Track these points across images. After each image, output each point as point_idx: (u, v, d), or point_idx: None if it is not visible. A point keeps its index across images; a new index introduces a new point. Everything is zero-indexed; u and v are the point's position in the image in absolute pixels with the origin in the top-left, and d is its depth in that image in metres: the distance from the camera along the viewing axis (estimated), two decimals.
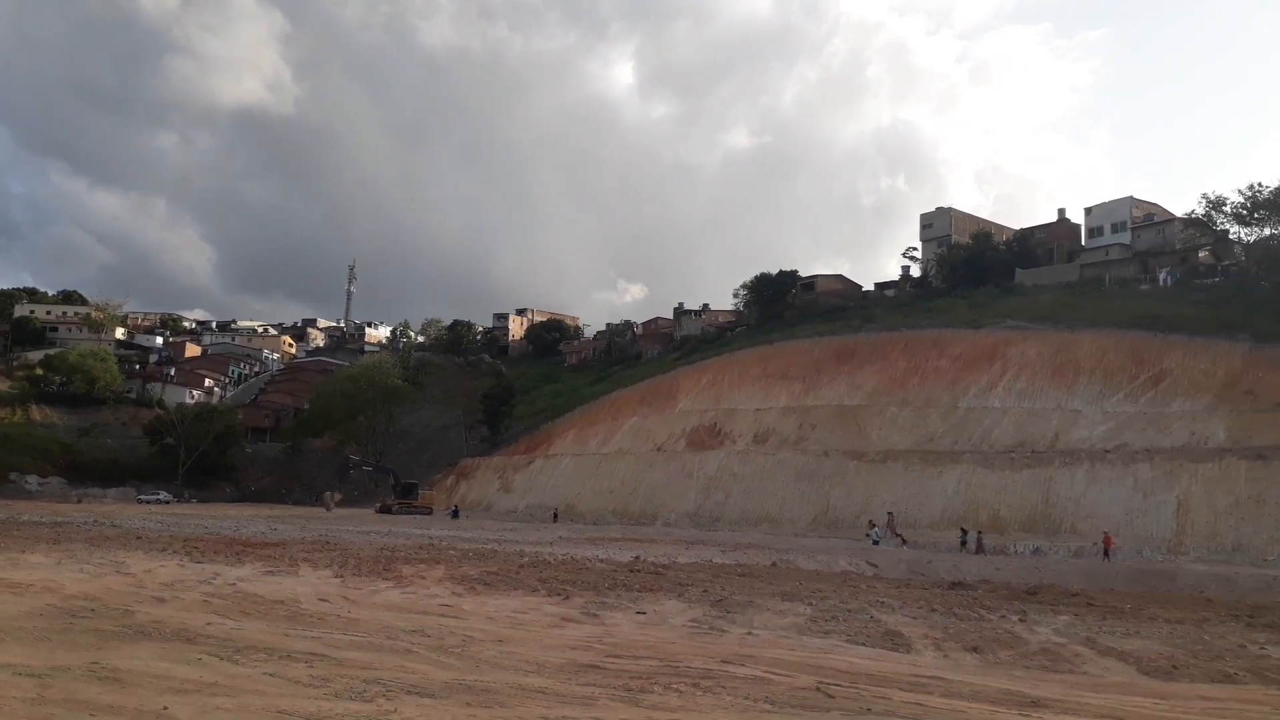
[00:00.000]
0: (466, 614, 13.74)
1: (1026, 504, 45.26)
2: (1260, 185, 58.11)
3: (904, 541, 43.03)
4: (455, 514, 61.56)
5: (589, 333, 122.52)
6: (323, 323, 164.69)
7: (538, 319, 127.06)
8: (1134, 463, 43.64)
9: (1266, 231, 58.92)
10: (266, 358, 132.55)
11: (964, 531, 42.27)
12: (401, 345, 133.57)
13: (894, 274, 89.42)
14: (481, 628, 12.21)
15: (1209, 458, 41.93)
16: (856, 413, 58.58)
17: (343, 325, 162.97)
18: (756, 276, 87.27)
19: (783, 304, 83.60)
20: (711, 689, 8.46)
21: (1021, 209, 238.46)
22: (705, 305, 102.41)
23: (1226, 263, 62.38)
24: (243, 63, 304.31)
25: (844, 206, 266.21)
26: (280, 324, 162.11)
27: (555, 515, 61.97)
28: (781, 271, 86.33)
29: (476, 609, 14.36)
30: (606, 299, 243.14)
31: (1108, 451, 45.37)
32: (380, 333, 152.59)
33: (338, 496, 72.52)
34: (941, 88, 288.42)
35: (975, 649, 12.77)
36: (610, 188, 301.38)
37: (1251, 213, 58.62)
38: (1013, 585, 24.07)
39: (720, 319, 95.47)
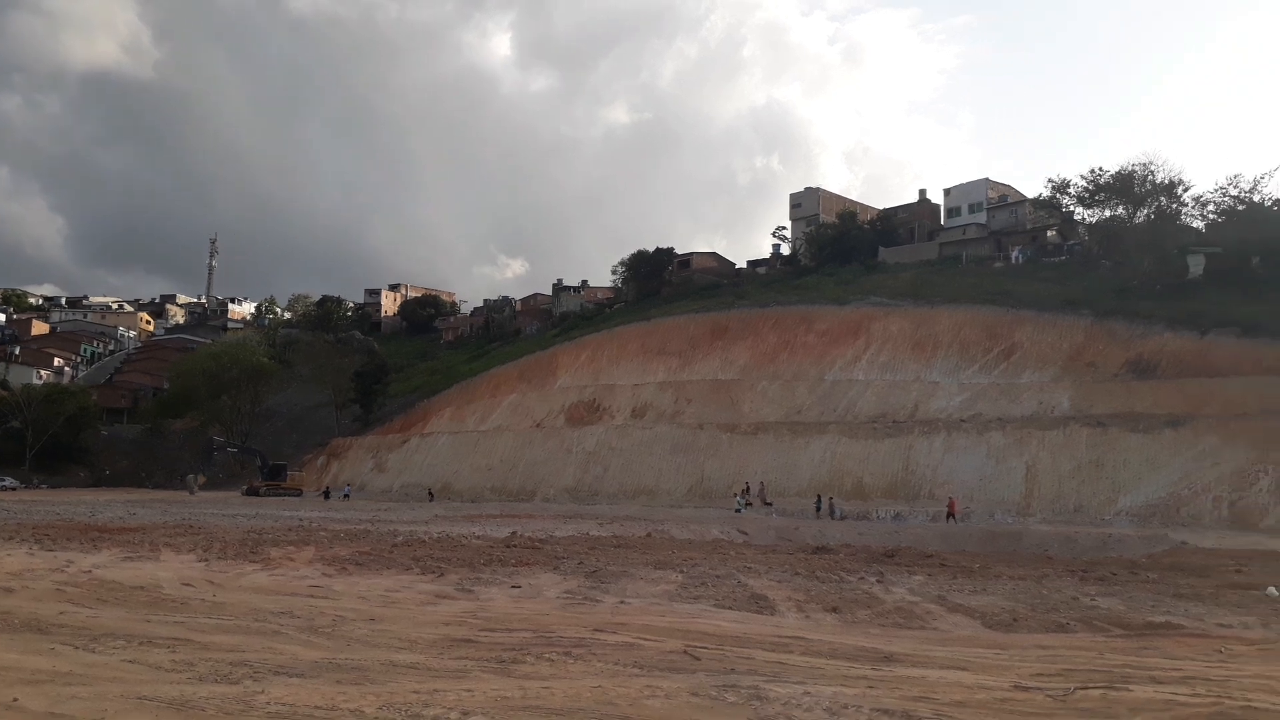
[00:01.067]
0: (338, 594, 13.59)
1: (888, 472, 47.50)
2: (1101, 169, 62.13)
3: (771, 507, 44.96)
4: (347, 495, 60.65)
5: (466, 309, 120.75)
6: (183, 299, 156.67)
7: (412, 295, 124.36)
8: (987, 431, 46.34)
9: (1107, 213, 62.99)
10: (122, 335, 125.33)
11: (819, 498, 44.43)
12: (267, 322, 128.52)
13: (766, 252, 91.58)
14: (353, 607, 12.12)
15: (1055, 425, 44.90)
16: (730, 387, 59.99)
17: (204, 301, 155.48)
18: (634, 254, 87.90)
19: (660, 281, 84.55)
20: (583, 656, 8.70)
21: (891, 189, 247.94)
22: (584, 282, 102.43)
23: (1072, 242, 66.45)
24: (96, 21, 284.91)
25: (721, 185, 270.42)
26: (138, 300, 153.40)
27: (431, 494, 61.20)
28: (658, 249, 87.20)
29: (348, 589, 14.21)
30: (487, 274, 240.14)
31: (963, 421, 47.99)
32: (245, 309, 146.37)
33: (202, 479, 69.55)
34: (814, 69, 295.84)
35: (835, 609, 13.47)
36: (489, 162, 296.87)
37: (1093, 195, 62.54)
38: (873, 549, 25.36)
39: (599, 295, 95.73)
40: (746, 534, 30.74)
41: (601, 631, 10.22)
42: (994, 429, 46.31)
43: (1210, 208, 60.06)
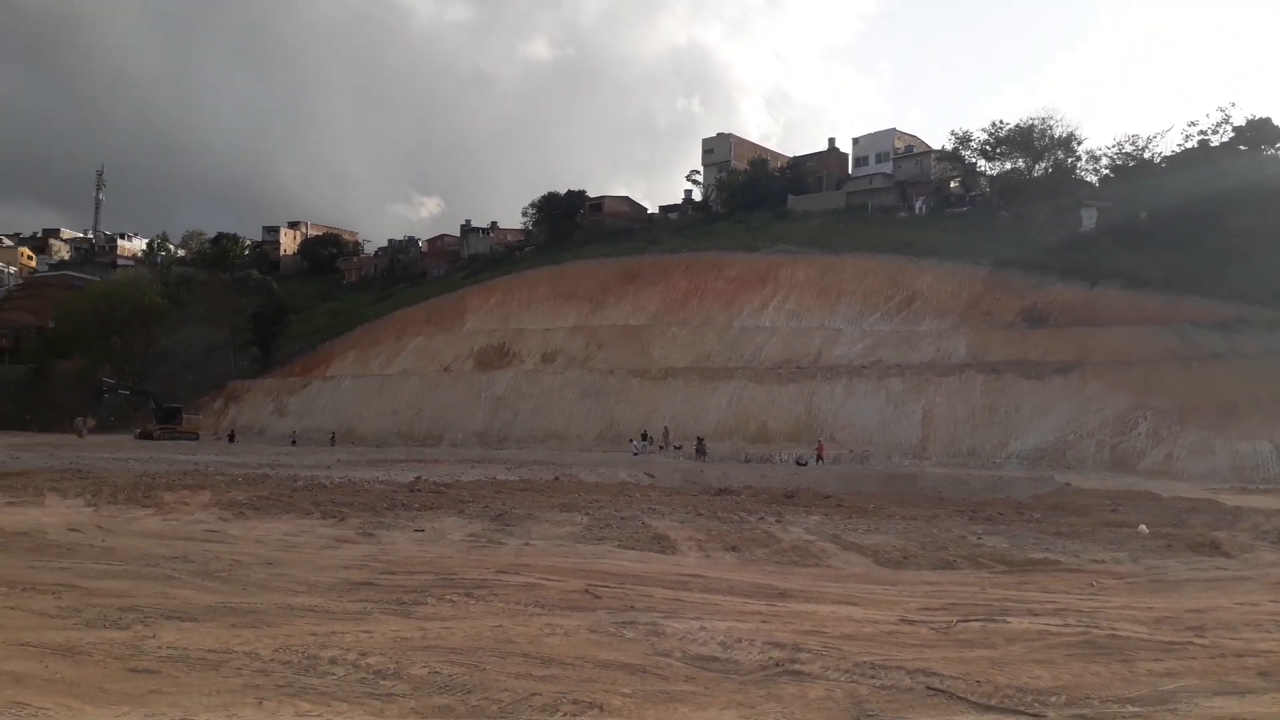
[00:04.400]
0: (234, 539, 13.31)
1: (792, 416, 48.71)
2: (1002, 123, 63.80)
3: (681, 450, 45.92)
4: (295, 441, 59.45)
5: (370, 249, 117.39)
6: (67, 233, 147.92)
7: (313, 233, 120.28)
8: (887, 377, 47.82)
9: (1007, 166, 64.85)
10: (1, 271, 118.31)
11: (699, 440, 45.92)
12: (160, 259, 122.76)
13: (682, 196, 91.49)
14: (250, 551, 11.90)
15: (951, 372, 46.59)
16: (640, 332, 60.27)
17: (91, 237, 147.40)
18: (545, 195, 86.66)
19: (572, 224, 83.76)
20: (484, 598, 8.75)
21: (810, 135, 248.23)
22: (494, 223, 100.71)
23: (973, 193, 68.25)
24: None
25: (641, 126, 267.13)
26: (17, 234, 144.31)
27: (333, 439, 60.12)
28: (570, 191, 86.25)
29: (245, 534, 13.93)
30: (401, 213, 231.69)
31: (864, 367, 49.38)
32: (135, 245, 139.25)
33: (91, 422, 66.69)
34: (735, 10, 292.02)
35: (734, 548, 13.82)
36: (403, 95, 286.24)
37: (994, 148, 64.27)
38: (773, 490, 26.04)
39: (509, 238, 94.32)
40: (653, 477, 31.17)
41: (504, 573, 10.29)
42: (894, 375, 47.80)
43: (1104, 163, 62.47)
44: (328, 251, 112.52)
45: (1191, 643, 7.56)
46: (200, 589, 8.96)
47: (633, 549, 13.41)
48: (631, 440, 47.46)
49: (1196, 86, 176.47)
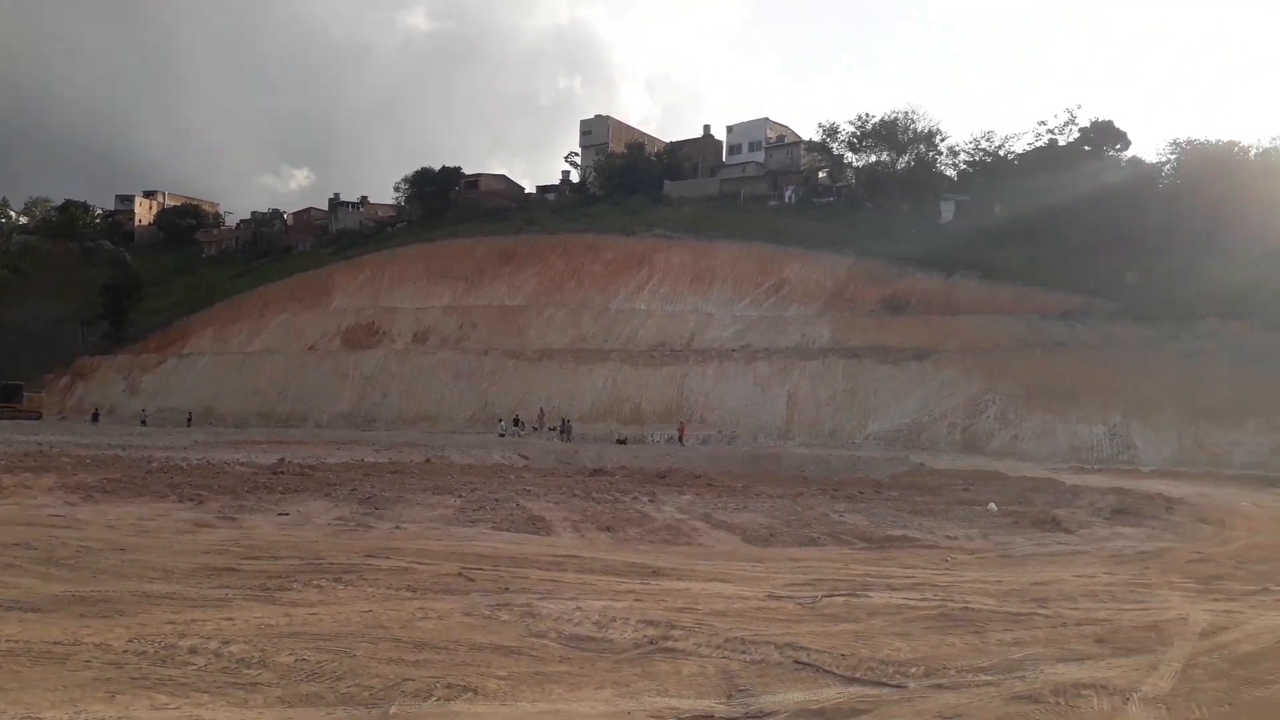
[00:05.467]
0: (83, 524, 12.54)
1: (664, 397, 49.44)
2: (867, 116, 66.17)
3: (555, 431, 45.96)
4: (189, 420, 56.50)
5: (232, 221, 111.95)
6: None
7: (170, 203, 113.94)
8: (755, 361, 49.09)
9: (872, 159, 67.29)
10: None
11: (563, 421, 46.62)
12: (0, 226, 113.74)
13: (557, 177, 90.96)
14: (100, 537, 11.24)
15: (815, 356, 48.19)
16: (516, 313, 59.79)
17: None
18: (419, 171, 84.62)
19: (446, 201, 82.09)
20: (354, 582, 8.55)
21: (691, 120, 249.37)
22: (364, 198, 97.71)
23: (840, 184, 70.52)
24: None
25: (522, 104, 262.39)
26: None
27: (190, 419, 57.33)
28: (445, 168, 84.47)
29: (95, 518, 13.14)
30: (268, 185, 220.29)
31: (734, 351, 50.51)
32: None
33: None
34: None
35: (609, 528, 13.93)
36: (275, 63, 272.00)
37: (861, 141, 66.58)
38: (646, 470, 26.36)
39: (380, 213, 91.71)
40: (527, 458, 31.06)
41: (374, 557, 10.07)
42: (761, 359, 49.13)
43: (962, 158, 65.54)
44: (186, 223, 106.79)
45: (1036, 614, 8.11)
46: (44, 577, 8.42)
47: (507, 530, 13.35)
48: (500, 421, 47.20)
49: (1049, 83, 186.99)
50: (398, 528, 13.27)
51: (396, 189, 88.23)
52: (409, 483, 19.99)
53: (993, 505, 18.26)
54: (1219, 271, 43.48)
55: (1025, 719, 5.21)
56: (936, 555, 12.27)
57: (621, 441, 43.11)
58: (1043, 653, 6.67)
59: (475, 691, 5.34)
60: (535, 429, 47.43)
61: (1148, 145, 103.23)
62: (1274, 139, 53.93)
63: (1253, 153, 52.29)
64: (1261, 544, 14.34)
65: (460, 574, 9.09)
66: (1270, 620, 8.13)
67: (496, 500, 16.98)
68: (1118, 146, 59.68)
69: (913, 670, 6.07)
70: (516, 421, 47.67)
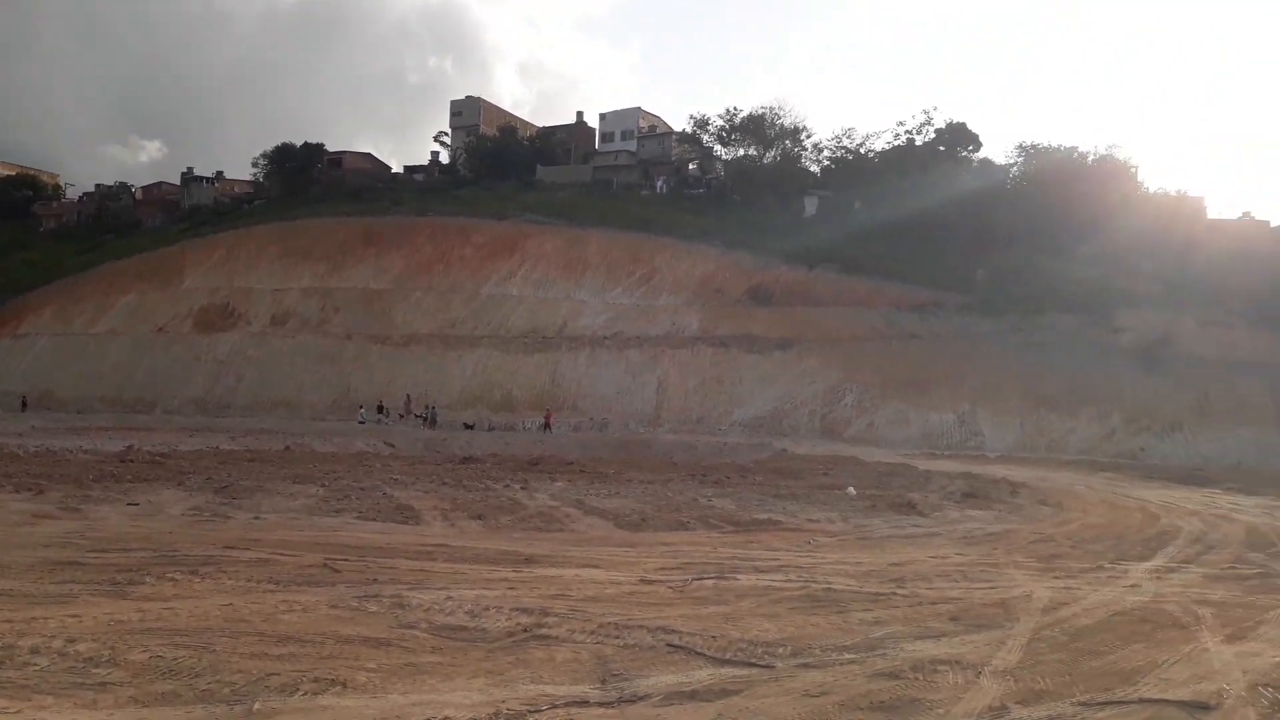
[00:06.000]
0: None
1: (536, 384, 49.25)
2: (736, 109, 67.38)
3: (418, 418, 45.17)
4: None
5: (75, 193, 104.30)
6: None
7: (3, 172, 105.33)
8: (626, 348, 49.48)
9: (740, 152, 68.55)
10: None
11: (428, 408, 45.94)
12: None
13: (425, 158, 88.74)
14: None
15: (685, 345, 48.98)
16: (381, 296, 58.18)
17: None
18: (279, 147, 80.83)
19: (308, 179, 78.81)
20: (212, 575, 8.19)
21: (565, 106, 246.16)
22: (219, 173, 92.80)
23: (710, 176, 71.54)
24: None
25: (390, 82, 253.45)
26: None
27: (24, 403, 53.37)
28: (307, 144, 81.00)
29: None
30: (115, 156, 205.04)
31: (606, 338, 50.73)
32: None
33: None
34: None
35: (480, 516, 13.81)
36: (123, 26, 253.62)
37: (729, 134, 67.75)
38: (518, 458, 26.26)
39: (237, 190, 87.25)
40: (393, 446, 30.35)
41: (233, 548, 9.67)
42: (632, 347, 49.55)
43: (825, 154, 67.57)
44: (22, 194, 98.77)
45: (895, 593, 8.52)
46: None
47: (374, 520, 13.04)
48: (360, 408, 45.95)
49: (909, 83, 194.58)
50: (257, 518, 12.78)
51: (255, 165, 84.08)
52: (268, 471, 19.25)
53: (851, 489, 19.02)
54: (1059, 269, 46.51)
55: (886, 695, 5.47)
56: (800, 538, 12.71)
57: (469, 426, 42.58)
58: (901, 631, 7.02)
59: (344, 685, 5.22)
60: (401, 416, 46.39)
61: (997, 148, 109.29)
62: (1109, 146, 58.03)
63: (1090, 159, 56.02)
64: (1094, 524, 15.48)
65: (325, 565, 8.84)
66: (1104, 595, 8.80)
67: (362, 489, 16.56)
68: (970, 148, 62.82)
69: (780, 650, 6.28)
70: (380, 409, 46.52)
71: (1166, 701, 5.54)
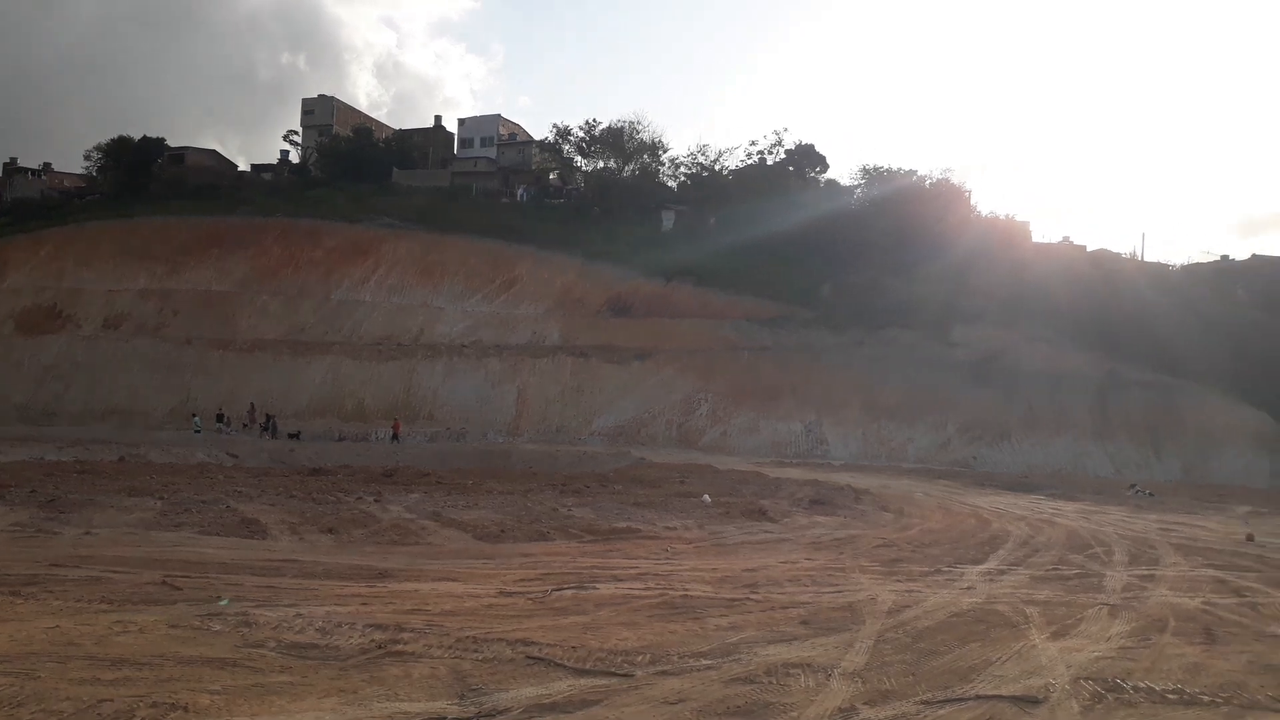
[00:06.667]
0: None
1: (391, 393, 48.01)
2: (596, 121, 67.92)
3: (263, 428, 43.23)
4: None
5: None
6: None
7: None
8: (486, 357, 48.94)
9: (600, 164, 69.07)
10: None
11: (268, 417, 44.25)
12: None
13: (277, 157, 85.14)
14: None
15: (545, 354, 48.86)
16: (224, 299, 55.39)
17: None
18: (115, 140, 75.76)
19: (147, 175, 74.18)
20: (36, 595, 7.65)
21: (424, 110, 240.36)
22: (47, 165, 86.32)
23: (571, 187, 71.72)
24: None
25: (240, 78, 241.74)
26: None
27: None
28: (146, 138, 76.34)
29: None
30: None
31: (465, 347, 50.02)
32: None
33: None
34: None
35: (331, 530, 13.37)
36: None
37: (589, 146, 68.21)
38: (371, 469, 25.52)
39: (67, 183, 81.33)
40: (237, 457, 28.99)
41: (60, 566, 9.05)
42: (492, 355, 49.06)
43: (682, 170, 68.94)
44: None
45: (749, 599, 8.78)
46: None
47: (216, 535, 12.43)
48: (194, 417, 43.59)
49: (758, 101, 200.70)
50: (88, 533, 11.99)
51: (88, 158, 78.59)
52: (100, 484, 18.07)
53: (707, 497, 19.44)
54: (901, 286, 48.95)
55: (742, 700, 5.64)
56: (658, 545, 12.90)
57: (294, 436, 40.88)
58: (755, 635, 7.25)
59: (186, 709, 4.98)
60: (246, 425, 44.29)
61: (843, 169, 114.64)
62: (944, 170, 61.54)
63: (928, 182, 59.31)
64: (933, 529, 16.38)
65: (164, 582, 8.40)
66: (942, 598, 9.34)
67: (203, 502, 15.76)
68: (818, 169, 65.52)
69: (639, 658, 6.38)
70: (221, 417, 44.29)
71: (1000, 697, 5.93)
